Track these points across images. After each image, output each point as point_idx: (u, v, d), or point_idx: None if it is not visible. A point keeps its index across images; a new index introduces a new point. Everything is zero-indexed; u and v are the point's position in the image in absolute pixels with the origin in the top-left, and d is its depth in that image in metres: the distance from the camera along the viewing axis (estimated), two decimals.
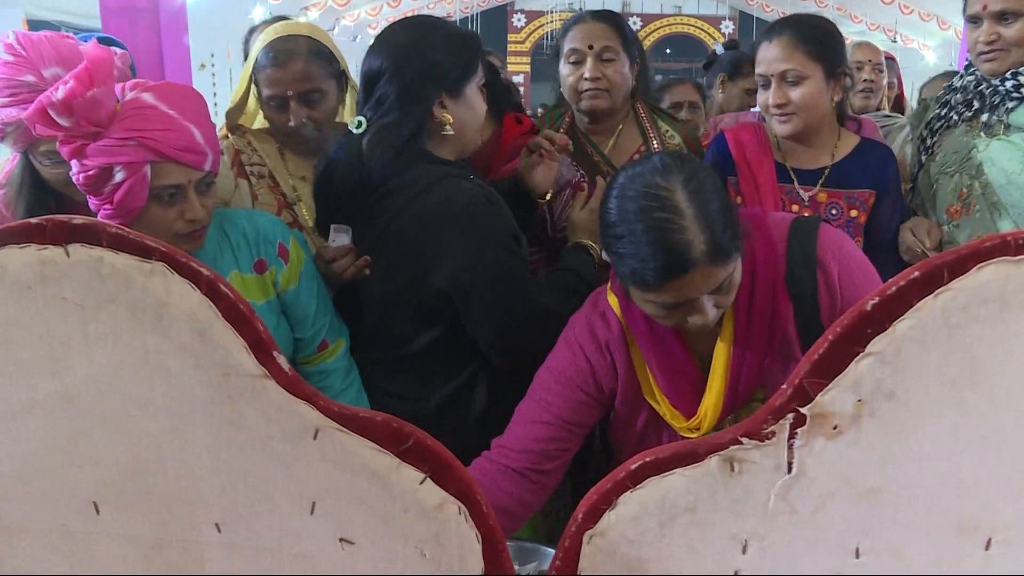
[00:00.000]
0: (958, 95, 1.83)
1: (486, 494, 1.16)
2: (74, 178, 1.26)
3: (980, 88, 1.77)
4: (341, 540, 0.77)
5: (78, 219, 0.73)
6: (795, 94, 1.66)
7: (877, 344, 0.69)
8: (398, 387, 1.54)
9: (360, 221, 1.48)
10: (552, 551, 0.87)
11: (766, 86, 1.71)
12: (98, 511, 0.79)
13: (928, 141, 1.88)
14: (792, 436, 0.72)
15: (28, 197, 1.47)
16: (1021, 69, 1.70)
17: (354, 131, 1.44)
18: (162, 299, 0.72)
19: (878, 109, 2.92)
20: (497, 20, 13.37)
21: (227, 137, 1.68)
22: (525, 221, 1.60)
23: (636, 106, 1.94)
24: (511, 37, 13.65)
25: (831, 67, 1.67)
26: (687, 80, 3.03)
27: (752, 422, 0.73)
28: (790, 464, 0.73)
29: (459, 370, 1.52)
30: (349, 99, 1.73)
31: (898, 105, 3.23)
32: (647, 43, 12.50)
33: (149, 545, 0.80)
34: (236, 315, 0.72)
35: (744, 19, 12.84)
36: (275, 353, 0.73)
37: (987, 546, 0.73)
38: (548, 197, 1.70)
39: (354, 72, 1.70)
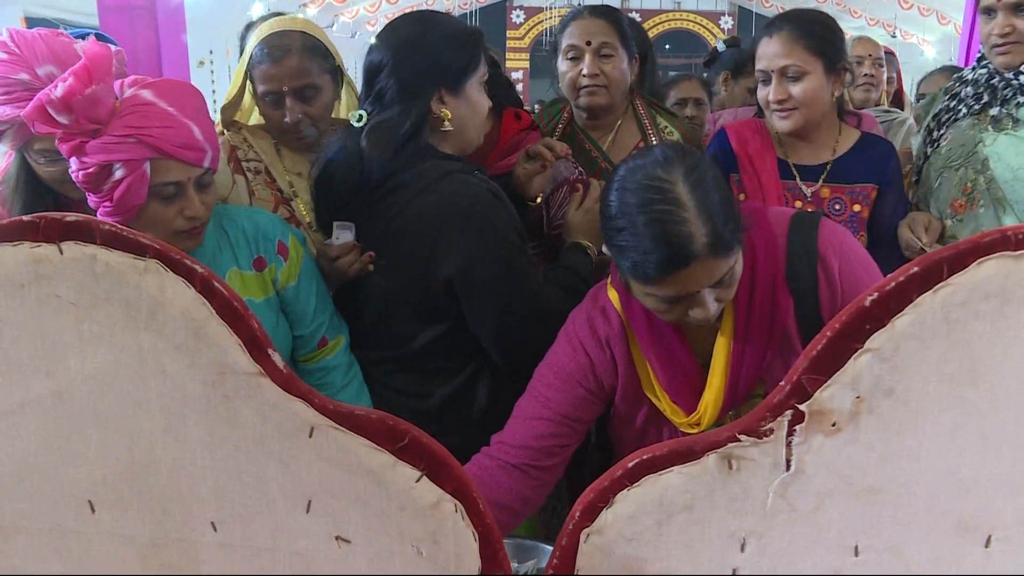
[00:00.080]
0: (968, 88, 1.80)
1: (486, 490, 1.17)
2: (74, 175, 1.26)
3: (992, 81, 1.74)
4: (337, 538, 0.76)
5: (71, 216, 0.72)
6: (796, 90, 1.66)
7: (876, 340, 0.69)
8: (400, 384, 1.54)
9: (363, 218, 1.48)
10: (550, 548, 0.86)
11: (766, 82, 1.70)
12: (93, 510, 0.79)
13: (935, 133, 1.85)
14: (790, 433, 0.71)
15: (24, 195, 1.47)
16: None
17: (355, 124, 1.45)
18: (156, 297, 0.72)
19: (877, 104, 2.92)
20: (496, 16, 13.38)
21: (223, 133, 1.68)
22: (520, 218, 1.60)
23: (635, 102, 1.94)
24: (510, 33, 13.65)
25: (831, 62, 1.67)
26: (693, 76, 3.04)
27: (750, 419, 0.72)
28: (788, 462, 0.72)
29: (460, 368, 1.52)
30: (345, 95, 1.72)
31: (897, 100, 3.23)
32: None
33: (145, 544, 0.79)
34: (230, 313, 0.72)
35: (743, 14, 12.84)
36: (270, 351, 0.73)
37: (987, 544, 0.73)
38: (538, 200, 1.70)
39: (353, 69, 1.69)
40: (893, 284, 0.69)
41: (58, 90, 1.16)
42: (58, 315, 0.73)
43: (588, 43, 1.81)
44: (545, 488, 1.27)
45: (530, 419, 1.26)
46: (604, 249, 1.18)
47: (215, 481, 0.76)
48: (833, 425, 0.71)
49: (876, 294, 0.69)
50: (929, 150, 1.85)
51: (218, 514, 0.78)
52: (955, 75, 1.95)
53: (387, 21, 1.73)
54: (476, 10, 12.20)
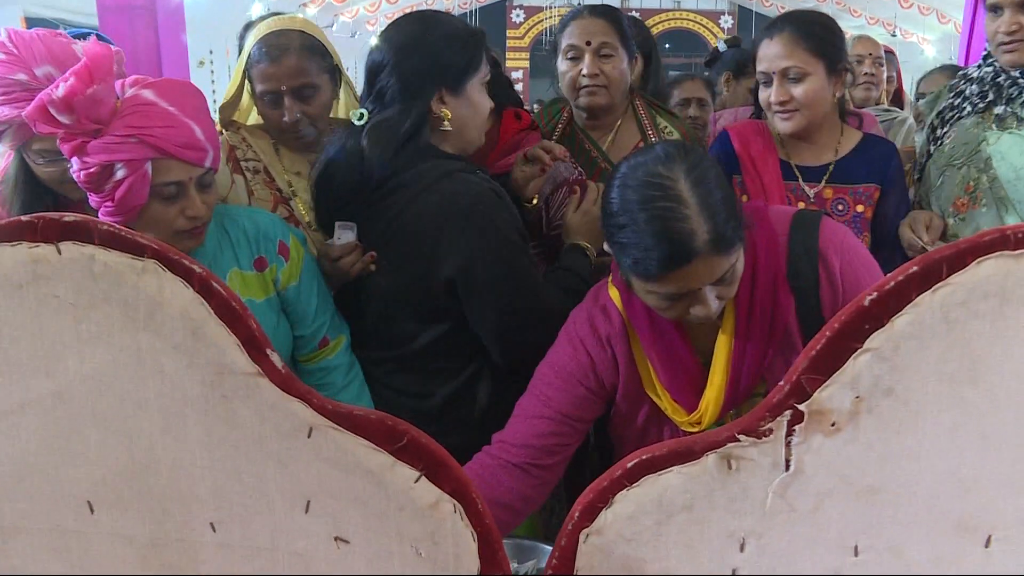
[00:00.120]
0: (973, 85, 1.78)
1: (487, 489, 1.17)
2: (75, 175, 1.26)
3: (998, 80, 1.72)
4: (336, 539, 0.76)
5: (69, 217, 0.72)
6: (797, 91, 1.66)
7: (875, 340, 0.69)
8: (400, 384, 1.54)
9: (363, 218, 1.48)
10: (550, 548, 0.86)
11: (768, 83, 1.70)
12: (93, 510, 0.78)
13: (938, 131, 1.84)
14: (790, 433, 0.71)
15: (23, 195, 1.47)
16: None
17: (356, 122, 1.45)
18: (155, 297, 0.72)
19: (877, 103, 2.92)
20: (496, 16, 13.37)
21: (222, 133, 1.68)
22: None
23: (635, 102, 1.93)
24: (510, 33, 13.64)
25: (832, 63, 1.67)
26: (697, 76, 3.03)
27: (749, 419, 0.72)
28: (788, 462, 0.72)
29: (461, 368, 1.52)
30: (343, 94, 1.72)
31: (897, 99, 3.23)
32: None
33: (145, 544, 0.79)
34: (229, 313, 0.72)
35: (743, 13, 12.83)
36: (268, 351, 0.73)
37: (987, 544, 0.73)
38: (535, 202, 1.70)
39: (353, 69, 1.69)
40: (892, 283, 0.68)
41: (59, 90, 1.16)
42: (57, 315, 0.73)
43: (588, 43, 1.81)
44: (546, 487, 1.27)
45: (531, 418, 1.26)
46: (605, 248, 1.18)
47: (214, 481, 0.76)
48: (832, 425, 0.71)
49: (875, 294, 0.69)
50: (932, 148, 1.84)
51: (217, 514, 0.77)
52: (960, 72, 1.93)
53: (387, 21, 1.74)
54: (476, 9, 12.19)
